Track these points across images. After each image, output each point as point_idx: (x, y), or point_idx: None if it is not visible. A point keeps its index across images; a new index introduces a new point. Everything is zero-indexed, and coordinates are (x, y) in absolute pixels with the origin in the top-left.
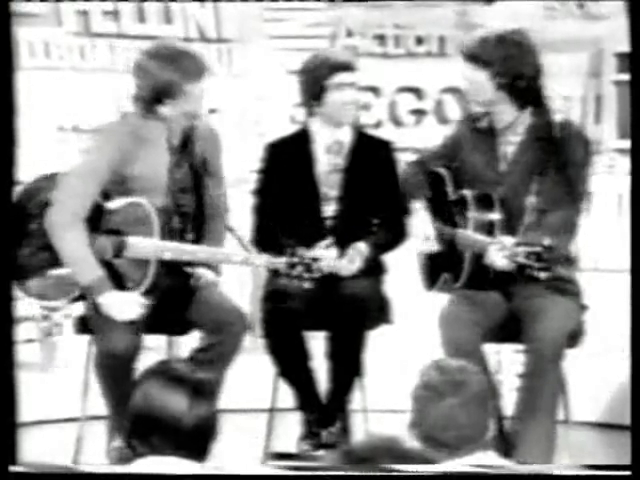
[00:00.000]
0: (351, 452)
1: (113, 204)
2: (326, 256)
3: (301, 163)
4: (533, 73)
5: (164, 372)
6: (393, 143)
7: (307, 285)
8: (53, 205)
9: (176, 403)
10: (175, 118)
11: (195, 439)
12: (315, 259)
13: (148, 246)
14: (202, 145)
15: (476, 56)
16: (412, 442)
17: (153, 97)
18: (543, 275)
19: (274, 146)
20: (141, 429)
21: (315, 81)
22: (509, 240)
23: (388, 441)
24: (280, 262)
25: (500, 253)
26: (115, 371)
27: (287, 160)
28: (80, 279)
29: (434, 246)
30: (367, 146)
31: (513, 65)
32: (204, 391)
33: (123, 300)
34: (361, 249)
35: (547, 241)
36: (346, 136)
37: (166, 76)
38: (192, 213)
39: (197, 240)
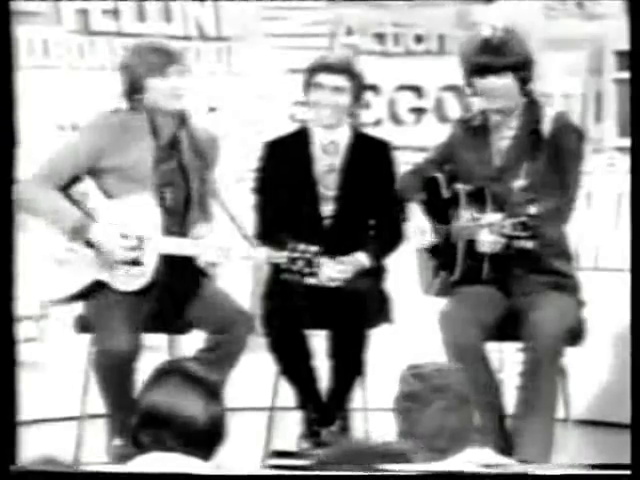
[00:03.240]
0: (327, 459)
1: (116, 200)
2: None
3: (299, 162)
4: (532, 62)
5: (179, 371)
6: (391, 143)
7: (308, 280)
8: (33, 175)
9: (191, 403)
10: (160, 113)
11: (206, 439)
12: (316, 254)
13: (152, 241)
14: (196, 145)
15: (493, 64)
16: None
17: (126, 91)
18: (530, 244)
19: (273, 144)
20: (153, 426)
21: (304, 78)
22: (495, 217)
23: (362, 444)
24: (281, 257)
25: (487, 230)
26: (115, 372)
27: (285, 159)
28: (63, 226)
29: (430, 241)
30: (365, 146)
31: (528, 60)
32: (217, 392)
33: (109, 231)
34: (361, 261)
35: (532, 210)
36: (343, 136)
37: (131, 71)
38: (176, 209)
39: (181, 236)
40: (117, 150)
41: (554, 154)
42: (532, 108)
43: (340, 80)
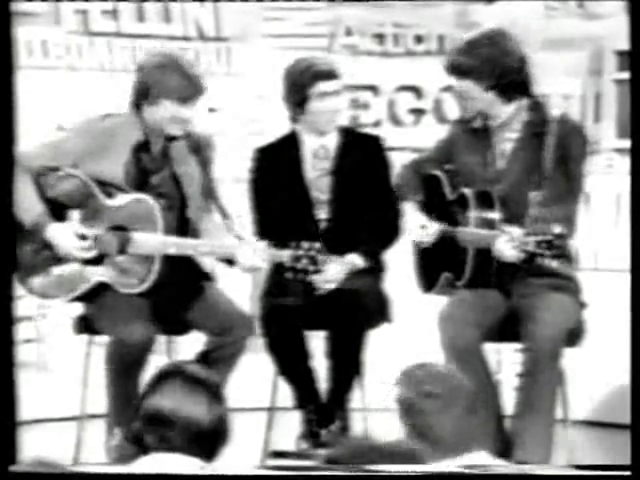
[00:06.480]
0: (334, 457)
1: (117, 200)
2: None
3: (290, 168)
4: (516, 66)
5: (180, 373)
6: (381, 137)
7: (313, 278)
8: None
9: (194, 405)
10: (156, 124)
11: (211, 440)
12: (320, 250)
13: (153, 242)
14: (191, 151)
15: (455, 67)
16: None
17: (137, 97)
18: (555, 263)
19: (263, 151)
20: (158, 428)
21: (298, 90)
22: (517, 231)
23: (367, 441)
24: (285, 255)
25: (509, 244)
26: (128, 361)
27: (276, 165)
28: (25, 217)
29: (432, 240)
30: (354, 145)
31: (492, 65)
32: (219, 393)
33: (65, 232)
34: (354, 262)
35: (558, 229)
36: (332, 139)
37: (153, 80)
38: (172, 218)
39: None
40: (99, 157)
41: (560, 158)
42: (536, 110)
43: (338, 84)
